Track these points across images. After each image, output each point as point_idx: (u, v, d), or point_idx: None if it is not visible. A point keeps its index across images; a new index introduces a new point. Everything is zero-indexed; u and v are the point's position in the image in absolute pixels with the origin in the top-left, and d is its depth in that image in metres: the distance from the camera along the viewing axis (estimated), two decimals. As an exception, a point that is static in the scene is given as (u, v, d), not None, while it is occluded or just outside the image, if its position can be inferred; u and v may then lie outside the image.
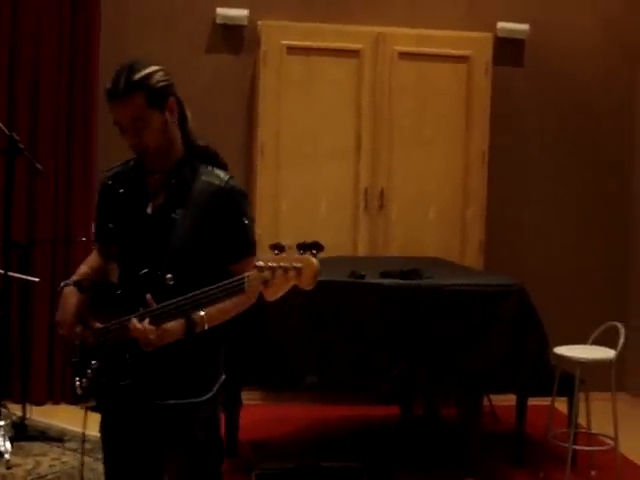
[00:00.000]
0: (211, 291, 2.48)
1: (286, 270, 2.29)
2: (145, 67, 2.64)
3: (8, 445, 4.81)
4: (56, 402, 5.99)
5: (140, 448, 2.78)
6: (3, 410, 5.05)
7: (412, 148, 6.13)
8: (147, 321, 2.54)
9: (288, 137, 5.99)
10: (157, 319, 2.55)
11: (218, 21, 6.09)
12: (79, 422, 5.50)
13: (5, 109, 5.76)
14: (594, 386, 4.99)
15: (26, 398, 5.42)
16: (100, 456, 4.98)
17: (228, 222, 2.67)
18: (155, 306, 2.56)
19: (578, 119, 6.52)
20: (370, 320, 4.47)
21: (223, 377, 2.81)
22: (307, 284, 2.29)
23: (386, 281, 4.61)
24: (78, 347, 2.73)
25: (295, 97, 6.00)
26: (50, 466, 4.86)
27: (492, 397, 5.69)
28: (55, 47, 5.86)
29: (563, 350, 4.90)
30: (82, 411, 6.03)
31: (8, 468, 4.68)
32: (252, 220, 2.75)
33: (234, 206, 2.70)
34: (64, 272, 5.95)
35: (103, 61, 5.94)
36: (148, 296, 2.57)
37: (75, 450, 5.12)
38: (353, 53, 6.02)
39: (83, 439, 2.96)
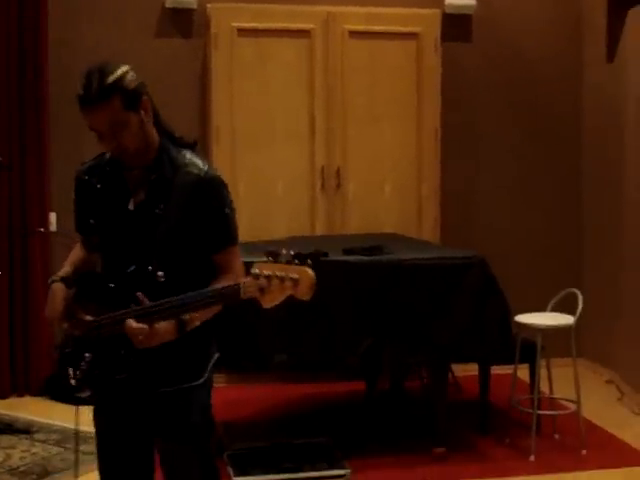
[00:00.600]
0: (206, 296, 2.50)
1: (282, 280, 2.30)
2: (115, 69, 2.60)
3: (-24, 439, 4.80)
4: (20, 394, 5.97)
5: (134, 437, 2.79)
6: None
7: (366, 126, 6.18)
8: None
9: (242, 120, 6.00)
10: (149, 318, 2.54)
11: (167, 5, 6.07)
12: (45, 414, 5.59)
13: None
14: (554, 352, 5.11)
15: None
16: (70, 445, 5.03)
17: (209, 212, 2.67)
18: (148, 304, 2.55)
19: (527, 93, 6.62)
20: (335, 297, 4.51)
21: (216, 356, 2.83)
22: (304, 295, 2.32)
23: (350, 258, 4.66)
24: (70, 338, 2.73)
25: (248, 79, 6.00)
26: (20, 458, 4.84)
27: (454, 367, 5.78)
28: (4, 35, 5.78)
29: (524, 318, 5.00)
30: (48, 403, 6.04)
31: (-22, 462, 4.68)
32: (233, 210, 2.74)
33: (214, 196, 2.69)
34: (22, 264, 5.92)
35: (52, 48, 5.90)
36: (140, 294, 2.56)
37: (44, 441, 5.11)
38: (304, 33, 6.04)
39: (76, 433, 2.95)
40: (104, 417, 2.82)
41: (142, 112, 2.63)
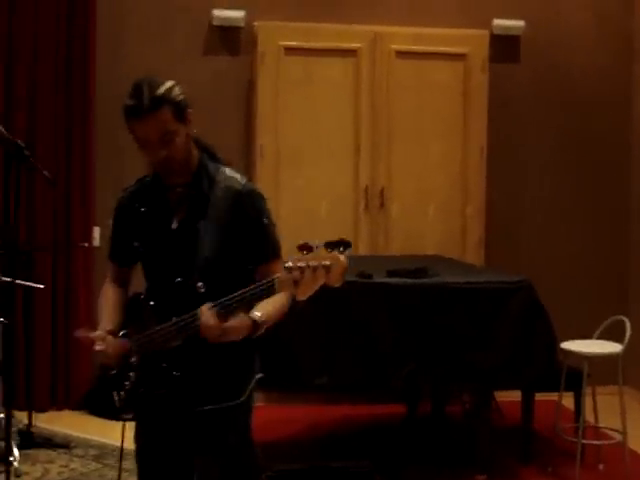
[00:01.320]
0: (241, 295, 2.49)
1: (315, 269, 2.30)
2: (163, 81, 2.65)
3: (16, 453, 4.78)
4: (59, 408, 5.98)
5: (174, 455, 2.78)
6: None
7: (411, 146, 6.14)
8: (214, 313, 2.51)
9: (287, 138, 5.99)
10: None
11: (214, 23, 6.08)
12: (84, 428, 5.59)
13: (2, 116, 5.72)
14: (600, 380, 5.01)
15: (30, 405, 5.39)
16: (108, 462, 5.03)
17: (248, 223, 2.69)
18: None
19: (575, 114, 6.53)
20: (378, 320, 4.47)
21: (258, 376, 2.82)
22: (335, 281, 2.31)
23: (394, 280, 4.61)
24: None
25: (293, 98, 5.99)
26: (59, 473, 4.84)
27: (496, 392, 5.67)
28: (52, 51, 5.83)
29: (570, 345, 4.91)
30: (87, 417, 6.04)
31: (17, 476, 4.65)
32: (272, 222, 2.76)
33: (253, 207, 2.72)
34: (65, 278, 5.94)
35: (100, 64, 5.94)
36: (200, 285, 2.59)
37: (82, 457, 5.10)
38: (351, 52, 6.03)
39: (121, 451, 2.93)
40: (145, 434, 2.81)
41: (188, 125, 2.67)
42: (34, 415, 5.37)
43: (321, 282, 2.32)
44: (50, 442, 5.25)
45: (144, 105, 2.58)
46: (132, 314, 2.76)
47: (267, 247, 2.72)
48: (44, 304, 5.84)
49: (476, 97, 6.18)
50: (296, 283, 2.34)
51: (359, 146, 6.06)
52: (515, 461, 5.11)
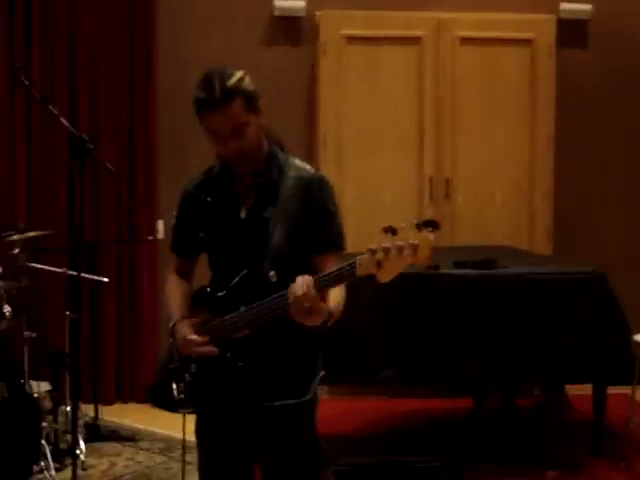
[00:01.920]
0: (324, 277, 2.43)
1: (401, 249, 2.24)
2: (234, 72, 2.61)
3: (82, 446, 4.80)
4: (125, 401, 6.01)
5: (236, 449, 2.74)
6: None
7: (476, 135, 6.04)
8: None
9: (350, 128, 5.93)
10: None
11: (276, 13, 6.04)
12: (149, 421, 5.60)
13: (66, 109, 5.74)
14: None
15: (96, 398, 5.42)
16: (174, 455, 5.03)
17: (315, 210, 2.64)
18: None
19: (645, 100, 6.36)
20: (446, 311, 4.40)
21: (322, 374, 2.77)
22: (423, 260, 2.24)
23: (461, 272, 4.52)
24: (176, 353, 2.71)
25: (356, 87, 5.92)
26: (125, 466, 4.85)
27: (566, 386, 5.54)
28: (114, 44, 5.85)
29: (644, 338, 4.78)
30: (153, 410, 6.07)
31: (84, 469, 4.67)
32: (338, 211, 2.69)
33: (321, 196, 2.67)
34: (129, 271, 5.96)
35: (162, 57, 5.94)
36: (272, 273, 2.54)
37: (148, 449, 5.11)
38: (414, 40, 5.94)
39: (183, 444, 2.90)
40: (207, 428, 2.77)
41: (259, 115, 2.63)
42: (100, 408, 5.40)
43: (408, 262, 2.25)
44: (116, 435, 5.28)
45: (216, 98, 2.54)
46: (198, 306, 2.72)
47: (332, 237, 2.66)
48: (109, 298, 5.87)
49: (543, 84, 6.05)
50: (379, 264, 2.28)
51: (423, 135, 5.98)
52: (586, 456, 4.98)
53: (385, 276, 2.29)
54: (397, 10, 6.01)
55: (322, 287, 2.43)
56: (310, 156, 5.99)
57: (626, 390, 4.86)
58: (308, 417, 2.72)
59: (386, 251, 2.26)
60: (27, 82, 4.58)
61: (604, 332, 4.49)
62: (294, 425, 2.68)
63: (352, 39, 5.89)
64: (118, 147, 5.87)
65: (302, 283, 2.42)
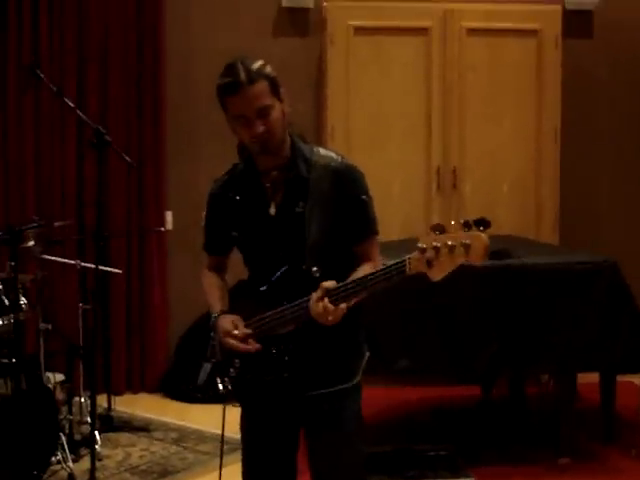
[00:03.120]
0: (373, 277, 2.44)
1: (452, 248, 2.25)
2: (255, 59, 2.63)
3: (97, 436, 4.82)
4: (135, 392, 6.03)
5: (281, 443, 2.76)
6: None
7: (483, 125, 6.06)
8: (327, 300, 2.47)
9: (358, 119, 5.94)
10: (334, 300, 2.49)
11: (284, 4, 6.06)
12: (161, 411, 5.61)
13: (75, 103, 5.73)
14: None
15: (108, 389, 5.44)
16: (188, 445, 5.05)
17: (348, 200, 2.64)
18: (334, 285, 2.49)
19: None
20: (461, 302, 4.41)
21: (367, 355, 2.78)
22: (477, 259, 2.25)
23: (475, 262, 4.53)
24: (219, 347, 2.71)
25: (364, 78, 5.94)
26: (140, 457, 4.87)
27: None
28: (122, 37, 5.85)
29: (654, 326, 4.80)
30: (163, 400, 6.06)
31: (99, 460, 4.68)
32: (371, 198, 2.70)
33: (354, 185, 2.66)
34: (139, 262, 5.97)
35: (170, 48, 5.94)
36: (315, 269, 2.55)
37: (162, 440, 5.13)
38: (421, 31, 5.95)
39: (222, 439, 2.91)
40: (253, 422, 2.78)
41: (283, 103, 2.65)
42: (112, 399, 5.41)
43: (460, 261, 2.26)
44: (130, 425, 5.31)
45: (241, 79, 2.55)
46: (238, 301, 2.73)
47: (366, 224, 2.68)
48: (119, 289, 5.88)
49: (549, 74, 6.07)
50: (429, 263, 2.29)
51: (430, 126, 6.00)
52: (597, 444, 5.02)
53: (436, 275, 2.31)
54: (404, 1, 6.02)
55: (344, 300, 2.45)
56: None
57: (633, 378, 4.88)
58: (358, 400, 2.74)
59: (436, 250, 2.27)
60: (42, 75, 4.58)
61: (617, 321, 4.52)
62: (341, 413, 2.69)
63: (360, 30, 5.90)
64: (127, 139, 5.86)
65: (320, 305, 2.44)
